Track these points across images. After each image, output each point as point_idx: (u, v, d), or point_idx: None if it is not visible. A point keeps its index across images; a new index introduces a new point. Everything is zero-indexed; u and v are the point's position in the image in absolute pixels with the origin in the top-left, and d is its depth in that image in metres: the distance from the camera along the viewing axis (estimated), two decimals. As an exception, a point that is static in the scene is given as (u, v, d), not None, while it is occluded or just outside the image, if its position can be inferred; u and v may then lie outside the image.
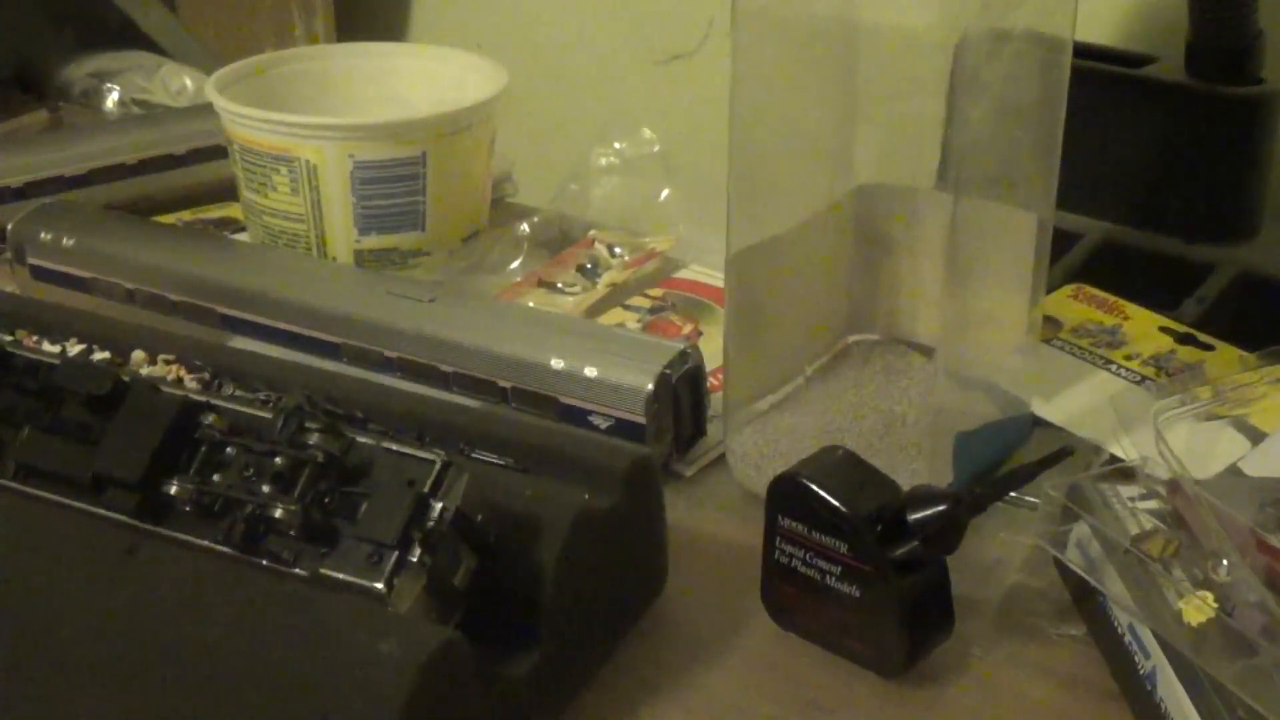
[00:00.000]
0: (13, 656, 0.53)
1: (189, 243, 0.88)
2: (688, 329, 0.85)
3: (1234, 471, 0.63)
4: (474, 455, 0.60)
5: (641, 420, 0.70)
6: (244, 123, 0.86)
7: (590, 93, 1.34)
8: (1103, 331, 0.82)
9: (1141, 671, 0.57)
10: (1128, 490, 0.63)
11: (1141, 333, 0.82)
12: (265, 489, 0.54)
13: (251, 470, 0.54)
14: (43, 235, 0.86)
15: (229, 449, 0.55)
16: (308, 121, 0.85)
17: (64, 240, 0.85)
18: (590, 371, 0.71)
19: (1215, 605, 0.55)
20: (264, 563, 0.53)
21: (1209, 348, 0.81)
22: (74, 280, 0.85)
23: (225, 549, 0.53)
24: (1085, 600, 0.62)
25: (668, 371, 0.71)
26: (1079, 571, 0.61)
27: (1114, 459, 0.70)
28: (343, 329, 0.77)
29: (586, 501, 0.58)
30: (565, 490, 0.58)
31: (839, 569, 0.59)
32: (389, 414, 0.61)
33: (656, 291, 0.90)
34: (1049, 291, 0.77)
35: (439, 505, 0.52)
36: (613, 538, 0.60)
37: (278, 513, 0.53)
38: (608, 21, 1.32)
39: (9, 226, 0.88)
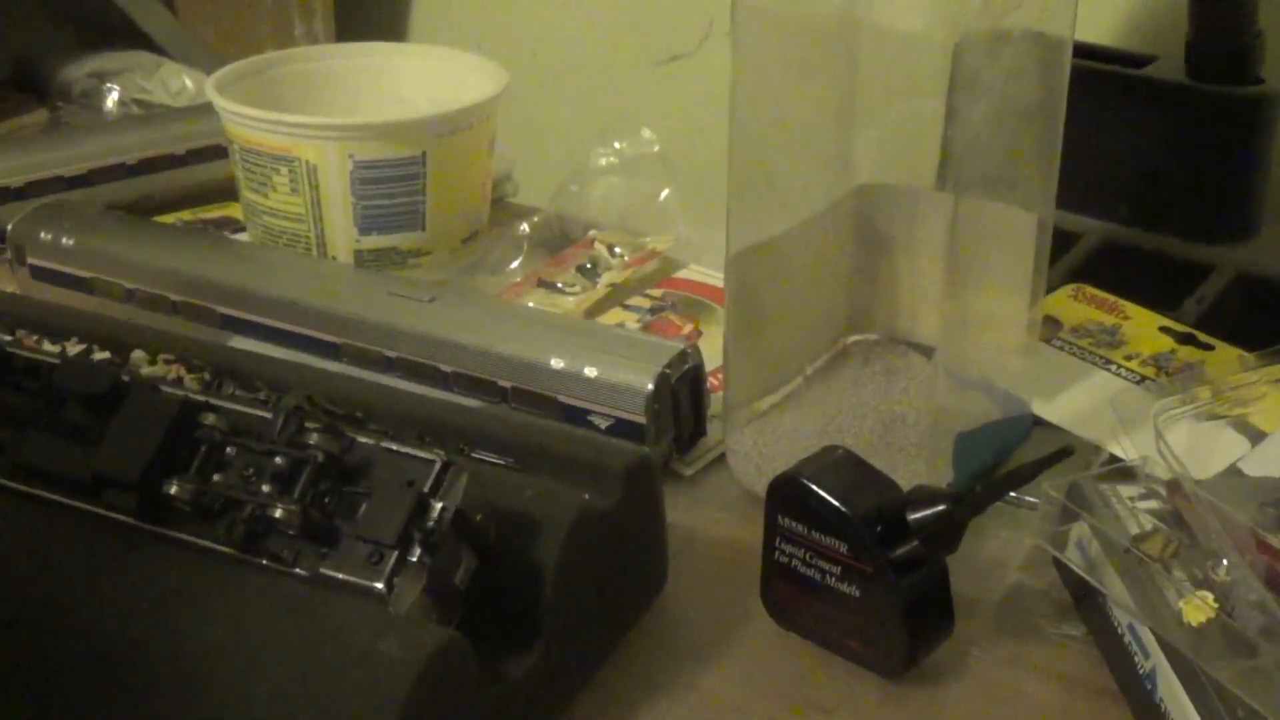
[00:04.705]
0: (12, 656, 0.53)
1: (189, 243, 0.88)
2: (688, 329, 0.85)
3: (1234, 471, 0.63)
4: (474, 455, 0.60)
5: (641, 420, 0.70)
6: (244, 123, 0.86)
7: (590, 93, 1.34)
8: (1103, 331, 0.82)
9: (1141, 671, 0.57)
10: (1128, 490, 0.63)
11: (1141, 333, 0.82)
12: (265, 489, 0.54)
13: (251, 470, 0.54)
14: (43, 235, 0.86)
15: (229, 449, 0.55)
16: (308, 121, 0.85)
17: (64, 240, 0.85)
18: (590, 371, 0.71)
19: (1215, 605, 0.55)
20: (264, 562, 0.53)
21: (1209, 348, 0.81)
22: (74, 280, 0.85)
23: (225, 549, 0.53)
24: (1085, 600, 0.62)
25: (668, 371, 0.71)
26: (1079, 571, 0.61)
27: (1114, 459, 0.70)
28: (343, 329, 0.77)
29: (586, 501, 0.57)
30: (565, 490, 0.58)
31: (839, 569, 0.59)
32: (389, 414, 0.61)
33: (656, 291, 0.90)
34: (1049, 291, 0.77)
35: (439, 505, 0.52)
36: (613, 538, 0.60)
37: (278, 513, 0.53)
38: (608, 21, 1.32)
39: (9, 226, 0.88)
